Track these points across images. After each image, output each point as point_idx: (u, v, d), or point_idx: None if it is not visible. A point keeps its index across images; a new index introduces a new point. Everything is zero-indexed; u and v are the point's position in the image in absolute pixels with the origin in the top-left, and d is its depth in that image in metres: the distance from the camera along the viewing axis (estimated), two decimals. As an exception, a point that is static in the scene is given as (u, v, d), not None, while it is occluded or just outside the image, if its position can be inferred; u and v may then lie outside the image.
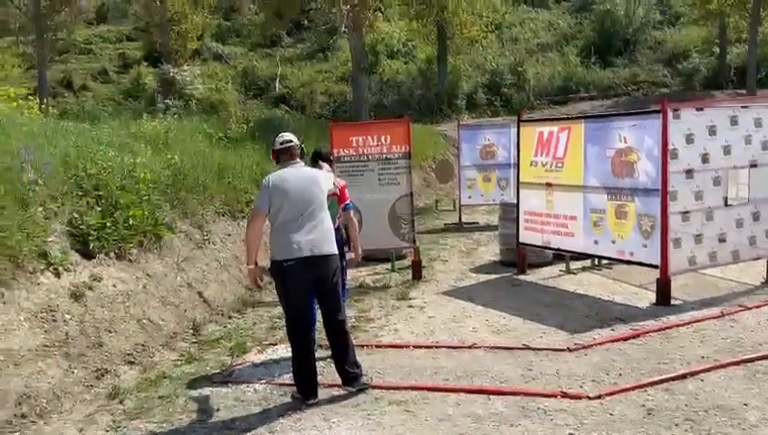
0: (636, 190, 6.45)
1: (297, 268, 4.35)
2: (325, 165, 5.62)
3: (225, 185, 8.55)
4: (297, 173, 4.54)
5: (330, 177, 4.92)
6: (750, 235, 6.71)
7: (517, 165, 8.00)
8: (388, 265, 8.52)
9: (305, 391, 4.49)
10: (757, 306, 6.05)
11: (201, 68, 31.57)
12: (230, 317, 6.74)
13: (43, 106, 9.49)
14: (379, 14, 18.94)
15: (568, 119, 8.04)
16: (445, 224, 12.17)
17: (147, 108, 25.09)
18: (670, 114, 6.09)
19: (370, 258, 8.93)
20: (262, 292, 7.42)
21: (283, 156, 4.63)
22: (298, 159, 4.64)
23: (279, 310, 6.88)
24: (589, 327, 5.79)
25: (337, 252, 4.58)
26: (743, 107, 6.62)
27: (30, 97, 9.62)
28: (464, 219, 12.07)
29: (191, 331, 6.21)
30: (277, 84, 31.30)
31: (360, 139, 7.70)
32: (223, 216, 8.30)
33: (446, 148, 20.03)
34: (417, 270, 7.90)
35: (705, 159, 6.31)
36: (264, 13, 19.98)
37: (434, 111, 27.70)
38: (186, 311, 6.41)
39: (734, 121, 6.44)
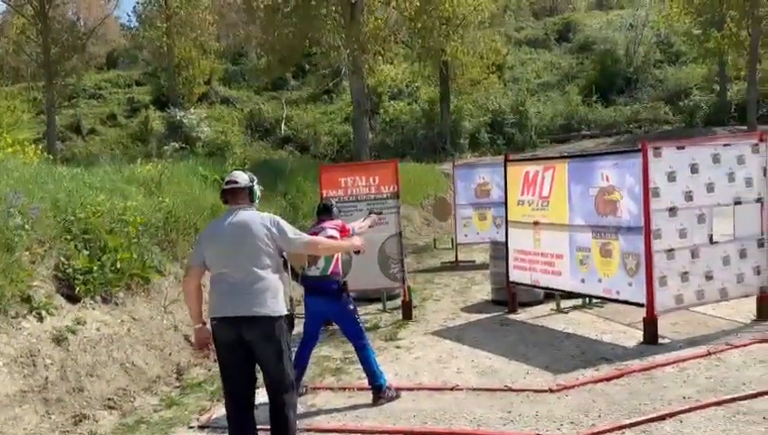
0: (619, 228, 6.45)
1: (221, 328, 3.82)
2: (337, 221, 5.57)
3: (217, 227, 8.62)
4: (232, 220, 3.91)
5: (277, 221, 3.98)
6: (738, 272, 6.65)
7: (505, 204, 8.03)
8: (380, 306, 8.50)
9: None
10: (744, 345, 5.95)
11: (208, 111, 32.29)
12: (216, 360, 6.70)
13: (38, 151, 9.70)
14: (380, 57, 19.26)
15: (552, 158, 8.09)
16: (441, 262, 12.16)
17: (154, 151, 25.62)
18: (651, 153, 6.13)
19: (362, 298, 8.93)
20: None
21: (227, 197, 4.04)
22: (244, 204, 4.00)
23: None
24: (573, 367, 5.72)
25: (276, 314, 3.81)
26: (725, 145, 6.65)
27: (26, 142, 9.85)
28: (461, 258, 12.06)
29: (175, 374, 6.20)
30: (282, 126, 31.84)
31: (349, 180, 7.80)
32: (214, 257, 8.35)
33: (448, 186, 20.14)
34: (407, 310, 7.88)
35: (688, 196, 6.32)
36: (267, 58, 20.40)
37: (437, 151, 28.01)
38: (170, 354, 6.40)
39: (716, 159, 6.46)
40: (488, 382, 5.53)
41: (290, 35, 16.64)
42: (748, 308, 6.98)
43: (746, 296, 6.82)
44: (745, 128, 23.12)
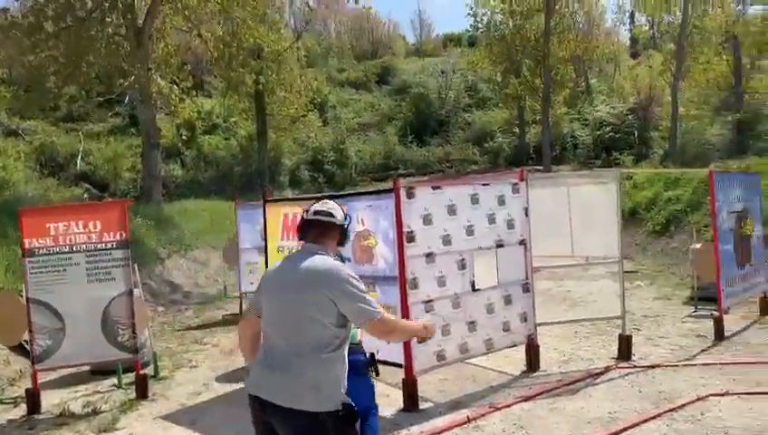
0: (376, 278, 5.66)
1: (252, 407, 2.79)
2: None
3: None
4: (305, 266, 2.80)
5: (344, 282, 2.75)
6: (503, 320, 6.16)
7: (265, 251, 6.99)
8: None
9: None
10: (508, 405, 5.37)
11: (-16, 145, 28.01)
12: None
13: None
14: (175, 86, 17.67)
15: (308, 199, 7.24)
16: (223, 316, 10.82)
17: None
18: (403, 194, 5.44)
19: (97, 372, 7.30)
20: None
21: (310, 232, 2.96)
22: (328, 247, 2.93)
23: None
24: (313, 453, 4.70)
25: (320, 410, 2.65)
26: (484, 185, 6.19)
27: None
28: (246, 308, 10.78)
29: None
30: (78, 161, 28.52)
31: (61, 226, 6.22)
32: None
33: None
34: (141, 387, 6.41)
35: (446, 240, 5.71)
36: (40, 82, 17.81)
37: (255, 188, 26.67)
38: None
39: (475, 200, 5.96)
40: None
41: (59, 59, 14.54)
42: (520, 357, 6.53)
43: (514, 346, 6.36)
44: (541, 168, 24.69)
